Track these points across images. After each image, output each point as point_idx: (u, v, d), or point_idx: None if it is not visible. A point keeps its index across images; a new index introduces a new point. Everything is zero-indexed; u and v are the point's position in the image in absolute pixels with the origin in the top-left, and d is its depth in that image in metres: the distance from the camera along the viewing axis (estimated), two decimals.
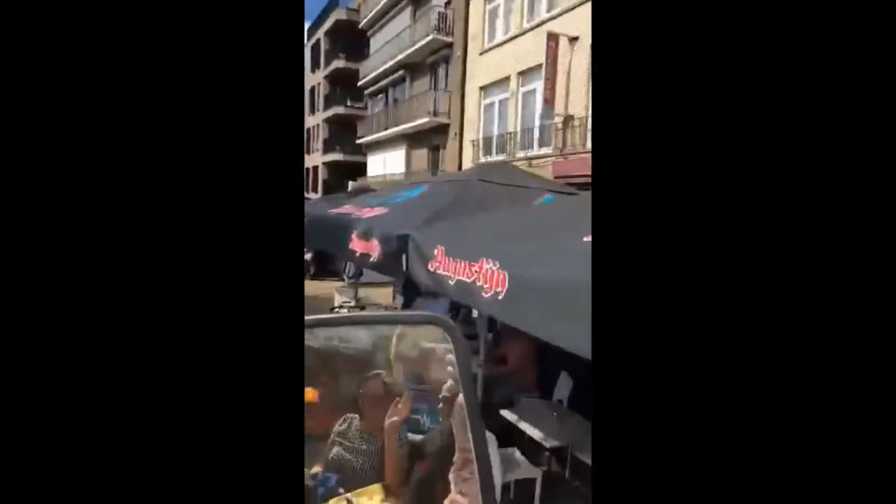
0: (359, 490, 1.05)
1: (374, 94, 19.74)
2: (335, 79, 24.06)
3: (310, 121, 27.36)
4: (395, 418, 1.00)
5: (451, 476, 0.88)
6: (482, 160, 12.65)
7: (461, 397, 0.86)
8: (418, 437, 1.05)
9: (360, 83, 19.94)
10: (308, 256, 12.81)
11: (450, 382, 0.88)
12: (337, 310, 6.77)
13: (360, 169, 21.92)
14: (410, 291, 5.49)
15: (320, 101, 25.77)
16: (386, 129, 17.08)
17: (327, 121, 24.75)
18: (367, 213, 3.04)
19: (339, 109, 23.17)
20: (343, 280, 12.17)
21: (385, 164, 18.00)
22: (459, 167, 13.70)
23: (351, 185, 20.56)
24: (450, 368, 0.88)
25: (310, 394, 0.90)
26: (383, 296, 7.52)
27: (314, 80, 26.39)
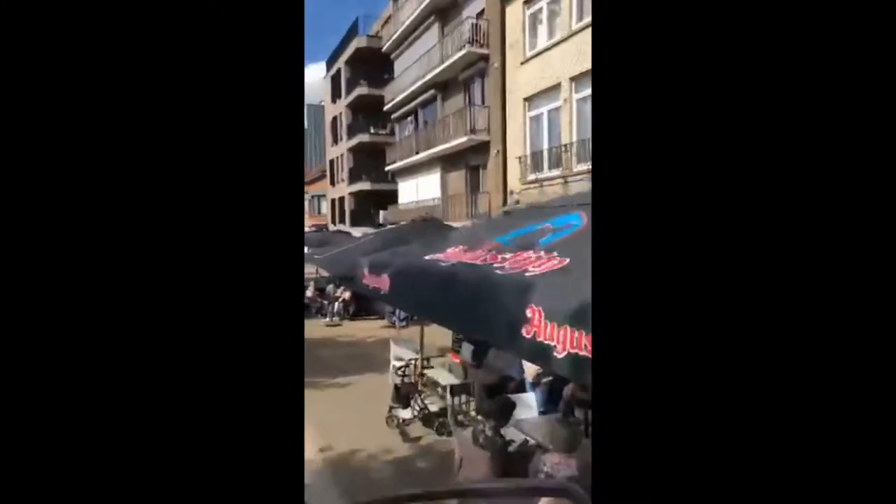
0: None
1: (402, 118, 18.88)
2: (358, 107, 23.36)
3: (333, 151, 26.73)
4: None
5: None
6: (531, 177, 11.45)
7: None
8: None
9: (385, 108, 19.15)
10: (346, 296, 11.70)
11: None
12: (395, 365, 5.53)
13: (390, 197, 20.98)
14: (483, 344, 4.86)
15: (343, 131, 25.12)
16: (417, 153, 16.10)
17: (352, 150, 23.99)
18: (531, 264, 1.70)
19: (364, 137, 22.36)
20: (386, 320, 11.11)
21: (418, 190, 16.94)
22: (504, 186, 12.51)
23: (382, 214, 19.54)
24: None
25: None
26: (433, 336, 6.16)
27: (335, 109, 25.84)
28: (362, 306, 12.15)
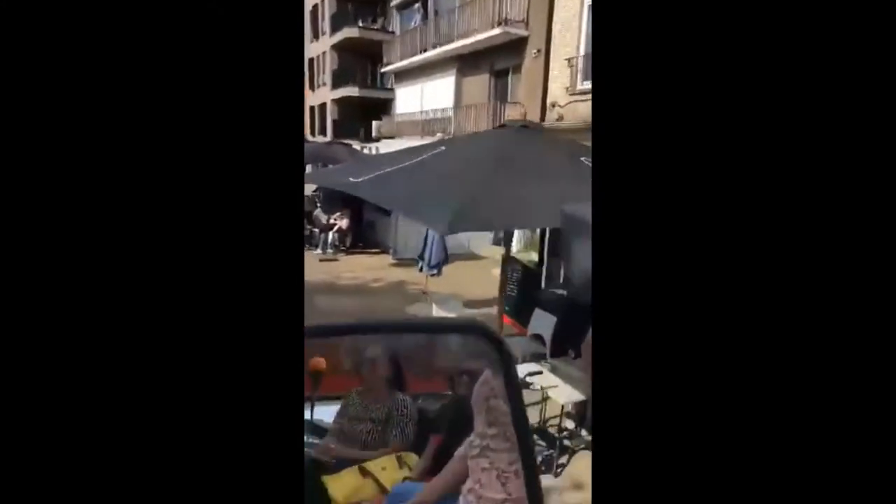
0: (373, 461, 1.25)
1: (405, 6, 15.48)
2: None
3: (313, 49, 22.86)
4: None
5: (470, 462, 0.93)
6: (583, 86, 9.00)
7: (486, 374, 0.90)
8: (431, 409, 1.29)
9: None
10: (344, 224, 9.39)
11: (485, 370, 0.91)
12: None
13: (382, 107, 17.98)
14: None
15: (326, 24, 21.25)
16: (424, 50, 13.13)
17: (337, 47, 20.38)
18: None
19: (352, 32, 18.72)
20: (391, 257, 9.01)
21: (422, 98, 14.09)
22: (543, 97, 10.02)
23: (376, 125, 16.66)
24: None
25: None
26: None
27: None
28: (360, 236, 10.02)
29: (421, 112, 13.93)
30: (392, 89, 16.70)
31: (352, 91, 19.03)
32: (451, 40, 11.85)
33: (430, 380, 1.43)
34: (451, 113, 12.53)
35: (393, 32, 16.58)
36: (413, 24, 14.80)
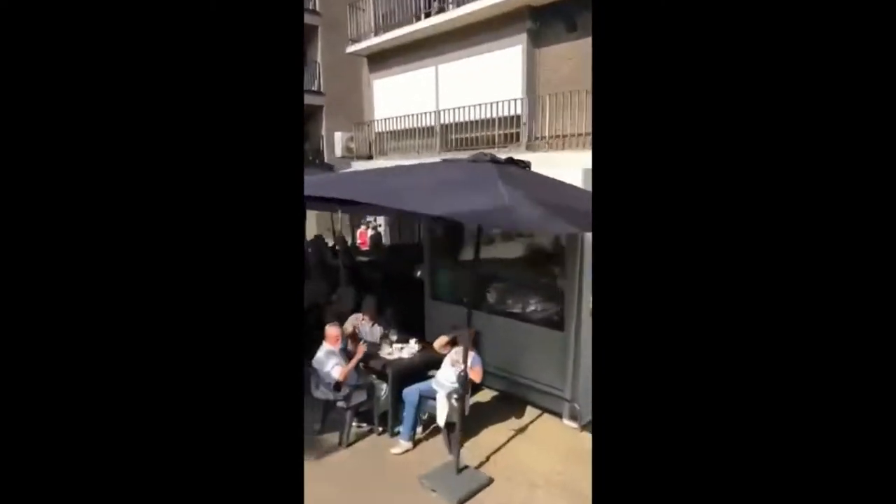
0: None
1: None
2: None
3: None
4: None
5: None
6: None
7: None
8: None
9: None
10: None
11: None
12: None
13: (313, 115, 11.92)
14: None
15: None
16: (442, 8, 7.64)
17: None
18: None
19: None
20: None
21: (437, 90, 8.40)
22: None
23: (341, 138, 10.33)
24: None
25: None
26: None
27: None
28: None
29: (442, 111, 8.26)
30: (367, 80, 10.71)
31: None
32: None
33: None
34: (520, 108, 7.09)
35: None
36: None
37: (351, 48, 9.57)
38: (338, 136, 9.92)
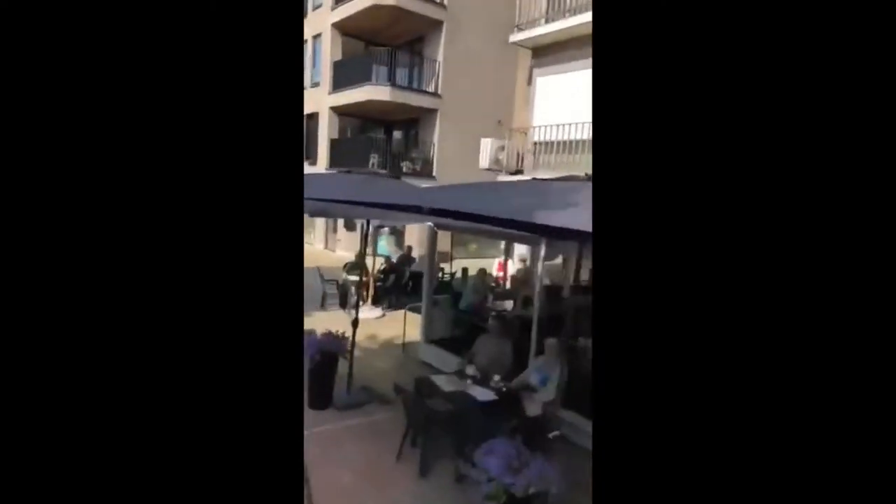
0: None
1: None
2: None
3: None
4: None
5: None
6: None
7: None
8: None
9: None
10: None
11: None
12: None
13: (415, 120, 10.77)
14: None
15: None
16: None
17: (339, 26, 13.08)
18: None
19: None
20: None
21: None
22: None
23: (489, 146, 8.54)
24: None
25: None
26: None
27: None
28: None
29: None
30: (435, 93, 9.39)
31: (365, 93, 11.67)
32: None
33: None
34: None
35: None
36: None
37: (515, 37, 8.20)
38: (485, 143, 8.20)
